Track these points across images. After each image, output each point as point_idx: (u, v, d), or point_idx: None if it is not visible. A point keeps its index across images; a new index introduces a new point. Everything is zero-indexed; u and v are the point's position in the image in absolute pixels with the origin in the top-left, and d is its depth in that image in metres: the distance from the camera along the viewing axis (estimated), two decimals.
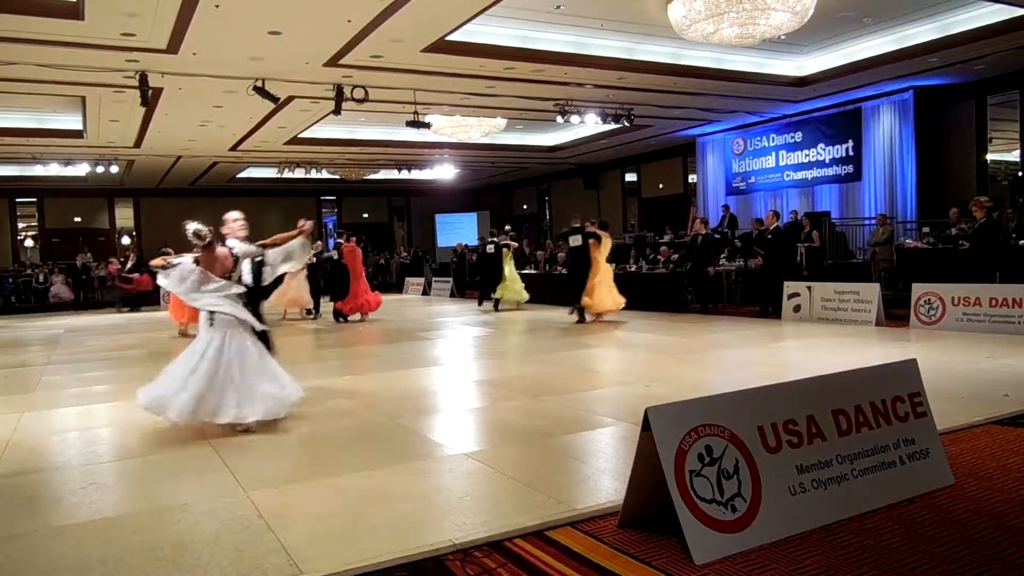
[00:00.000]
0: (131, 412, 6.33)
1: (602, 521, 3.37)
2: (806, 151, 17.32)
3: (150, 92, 11.69)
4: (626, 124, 15.94)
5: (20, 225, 24.32)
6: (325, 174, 22.91)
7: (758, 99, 15.48)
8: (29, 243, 24.14)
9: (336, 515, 3.66)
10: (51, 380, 8.34)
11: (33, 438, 5.57)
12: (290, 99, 13.51)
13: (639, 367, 7.82)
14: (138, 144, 17.09)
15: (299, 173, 21.69)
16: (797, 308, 11.37)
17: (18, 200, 23.98)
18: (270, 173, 22.57)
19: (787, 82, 14.16)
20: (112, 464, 4.86)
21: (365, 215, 29.21)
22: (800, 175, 17.54)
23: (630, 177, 23.60)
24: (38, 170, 19.16)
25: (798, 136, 17.48)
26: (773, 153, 18.14)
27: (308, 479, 4.23)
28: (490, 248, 15.52)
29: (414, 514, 3.62)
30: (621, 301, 11.95)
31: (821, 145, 16.94)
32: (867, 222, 15.60)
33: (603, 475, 4.17)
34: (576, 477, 4.21)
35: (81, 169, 18.90)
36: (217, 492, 4.04)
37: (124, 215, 25.72)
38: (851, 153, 16.29)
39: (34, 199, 24.10)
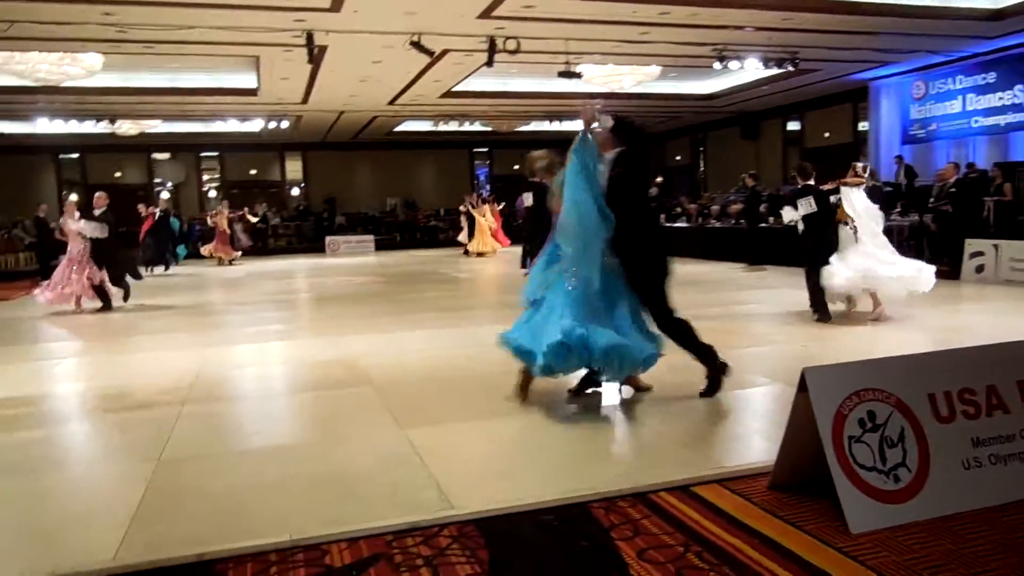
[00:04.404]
0: (301, 351, 6.86)
1: (752, 481, 3.28)
2: (1000, 94, 15.51)
3: (316, 50, 12.31)
4: (790, 69, 14.97)
5: (204, 177, 26.58)
6: (478, 126, 23.27)
7: (943, 36, 13.97)
8: (212, 194, 26.34)
9: (485, 456, 3.80)
10: (232, 319, 9.16)
11: (218, 372, 6.16)
12: (444, 52, 13.75)
13: (796, 325, 7.46)
14: (305, 100, 18.08)
15: (453, 126, 22.17)
16: (980, 268, 10.37)
17: (202, 155, 26.20)
18: (426, 126, 23.21)
19: (979, 15, 12.67)
20: (284, 398, 5.31)
21: (516, 167, 29.45)
22: (991, 121, 15.76)
23: (792, 126, 22.22)
24: (218, 126, 20.79)
25: (991, 77, 15.67)
26: (959, 97, 16.40)
27: (460, 420, 4.41)
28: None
29: (560, 461, 3.69)
30: None
31: (1019, 87, 15.09)
32: None
33: (754, 435, 4.05)
34: (725, 435, 4.12)
35: (255, 125, 20.32)
36: (376, 428, 4.30)
37: (293, 168, 27.47)
38: None
39: (216, 153, 26.24)
